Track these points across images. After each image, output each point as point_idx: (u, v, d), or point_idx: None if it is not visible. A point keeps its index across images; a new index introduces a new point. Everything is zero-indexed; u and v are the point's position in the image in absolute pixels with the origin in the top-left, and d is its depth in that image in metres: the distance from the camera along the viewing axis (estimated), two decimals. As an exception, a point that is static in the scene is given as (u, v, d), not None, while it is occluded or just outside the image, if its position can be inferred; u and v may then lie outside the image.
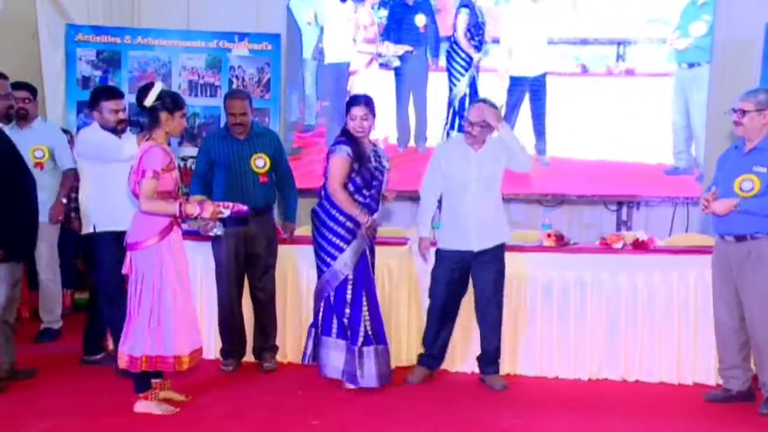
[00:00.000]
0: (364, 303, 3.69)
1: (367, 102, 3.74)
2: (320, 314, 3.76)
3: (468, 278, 3.88)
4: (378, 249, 3.99)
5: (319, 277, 3.76)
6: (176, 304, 3.30)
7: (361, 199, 3.68)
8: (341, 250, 3.67)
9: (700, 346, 4.00)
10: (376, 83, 5.52)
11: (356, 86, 5.54)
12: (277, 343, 4.19)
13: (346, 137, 3.70)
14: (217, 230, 3.45)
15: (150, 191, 3.25)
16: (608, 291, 4.06)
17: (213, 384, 3.86)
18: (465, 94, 5.48)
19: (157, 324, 3.29)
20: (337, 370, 3.72)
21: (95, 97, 3.87)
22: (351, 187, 3.68)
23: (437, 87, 5.55)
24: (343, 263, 3.67)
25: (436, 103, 5.55)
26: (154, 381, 3.45)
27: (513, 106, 5.54)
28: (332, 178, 3.66)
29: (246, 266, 4.08)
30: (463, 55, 5.50)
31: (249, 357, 4.21)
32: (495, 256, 3.82)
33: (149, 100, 3.31)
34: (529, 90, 5.55)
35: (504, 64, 5.52)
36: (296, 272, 4.27)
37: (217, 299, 4.12)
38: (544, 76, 5.54)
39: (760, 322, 3.56)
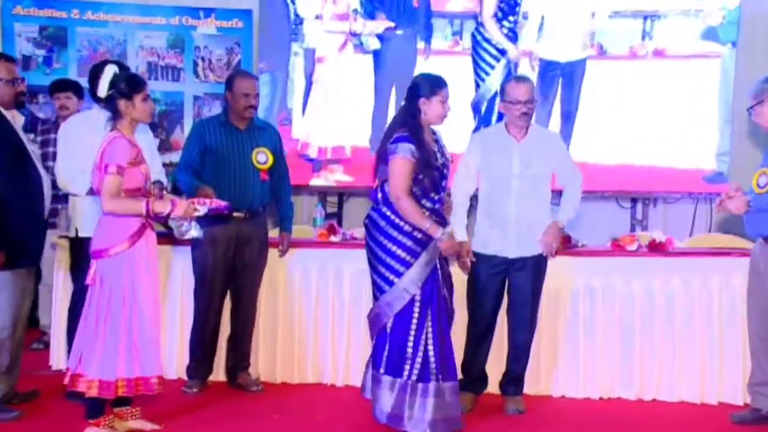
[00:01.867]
0: (428, 327, 3.36)
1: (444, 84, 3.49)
2: (373, 343, 3.46)
3: (504, 289, 3.79)
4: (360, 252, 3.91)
5: (375, 297, 3.43)
6: (152, 318, 3.22)
7: (429, 204, 3.40)
8: (408, 266, 3.34)
9: (725, 361, 3.95)
10: (352, 72, 5.27)
11: (326, 77, 5.27)
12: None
13: (410, 131, 3.38)
14: (194, 231, 3.27)
15: (114, 189, 3.13)
16: (621, 299, 4.02)
17: (181, 409, 3.71)
18: (496, 93, 4.89)
19: (133, 342, 3.19)
20: (383, 414, 3.35)
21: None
22: (417, 191, 3.38)
23: (457, 80, 4.66)
24: (411, 280, 3.34)
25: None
26: (121, 409, 3.35)
27: (544, 99, 5.15)
28: (395, 184, 3.33)
29: (232, 275, 3.98)
30: (493, 43, 5.10)
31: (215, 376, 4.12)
32: (536, 267, 3.72)
33: (102, 90, 3.23)
34: (562, 77, 5.17)
35: (534, 44, 5.10)
36: (287, 280, 4.16)
37: (194, 311, 4.01)
38: (583, 61, 5.10)
39: None
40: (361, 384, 3.54)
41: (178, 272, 4.14)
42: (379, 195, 3.44)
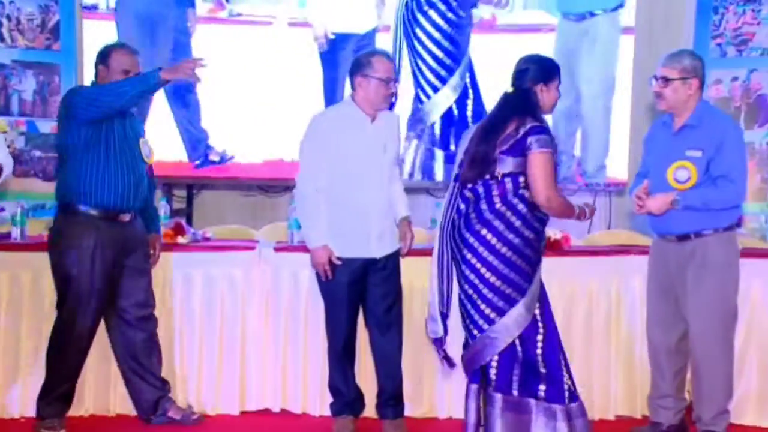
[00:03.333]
0: (560, 344, 3.24)
1: None
2: (492, 368, 3.17)
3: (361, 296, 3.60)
4: (220, 255, 3.84)
5: (471, 329, 3.18)
6: None
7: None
8: (524, 293, 3.14)
9: (623, 372, 3.95)
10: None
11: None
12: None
13: (540, 119, 3.21)
14: None
15: None
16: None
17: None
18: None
19: None
20: None
21: None
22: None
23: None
24: (526, 307, 3.14)
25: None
26: None
27: (332, 80, 5.05)
28: (547, 182, 3.12)
29: (111, 284, 3.63)
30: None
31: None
32: (395, 266, 3.61)
33: None
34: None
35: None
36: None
37: (72, 330, 3.59)
38: (373, 32, 5.09)
39: (701, 340, 3.50)
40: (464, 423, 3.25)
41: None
42: (486, 211, 3.17)
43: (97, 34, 5.00)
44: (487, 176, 3.18)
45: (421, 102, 5.07)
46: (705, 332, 3.48)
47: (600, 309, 3.95)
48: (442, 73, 5.00)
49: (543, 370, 3.16)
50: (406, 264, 3.68)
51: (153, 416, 3.73)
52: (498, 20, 5.13)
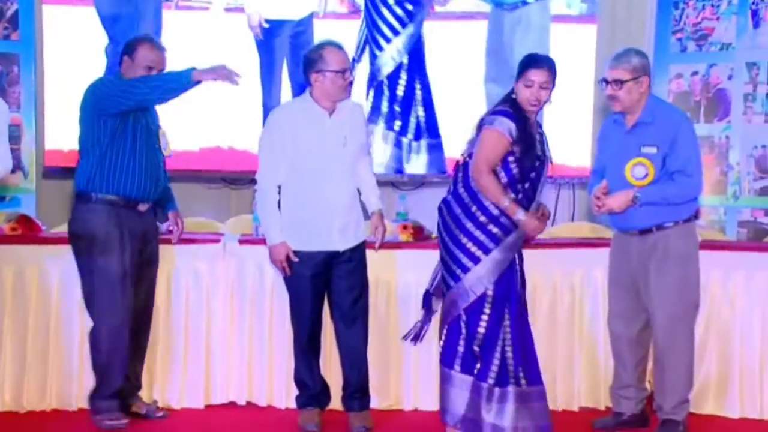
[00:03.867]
0: (506, 327, 3.32)
1: (550, 66, 3.36)
2: (443, 339, 3.38)
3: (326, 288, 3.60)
4: (185, 248, 3.81)
5: (443, 293, 3.40)
6: None
7: (511, 195, 3.32)
8: (477, 261, 3.28)
9: (587, 363, 3.97)
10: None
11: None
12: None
13: (513, 108, 3.31)
14: None
15: None
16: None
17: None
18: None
19: None
20: (456, 417, 3.32)
21: None
22: (504, 178, 3.31)
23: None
24: (477, 278, 3.29)
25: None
26: None
27: (270, 67, 5.08)
28: (481, 157, 3.27)
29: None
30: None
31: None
32: (360, 258, 3.60)
33: None
34: (291, 43, 5.11)
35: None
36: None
37: (97, 327, 3.55)
38: (310, 18, 5.10)
39: (663, 330, 3.54)
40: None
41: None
42: (460, 174, 3.38)
43: (57, 19, 4.98)
44: (464, 153, 3.43)
45: (375, 56, 5.15)
46: (668, 323, 3.51)
47: (563, 301, 3.97)
48: (396, 25, 5.11)
49: (476, 348, 3.30)
50: (371, 257, 3.68)
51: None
52: (435, 8, 5.25)
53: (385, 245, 3.86)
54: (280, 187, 3.53)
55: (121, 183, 3.51)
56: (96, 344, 3.55)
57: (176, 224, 3.80)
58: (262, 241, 3.84)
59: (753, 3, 4.96)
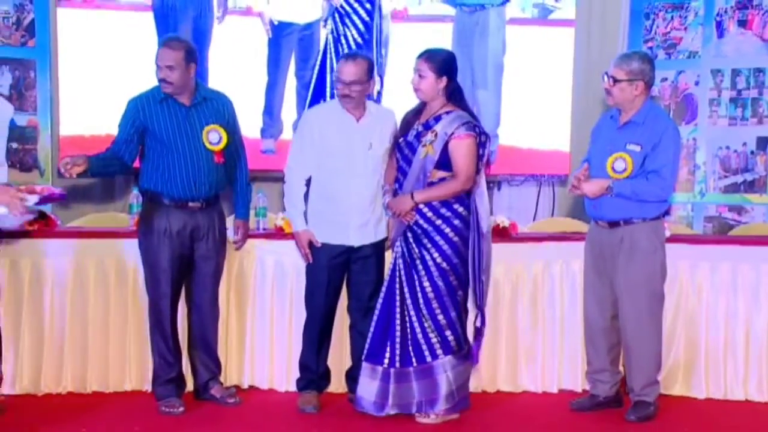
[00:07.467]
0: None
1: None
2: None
3: (343, 281, 3.72)
4: None
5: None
6: None
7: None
8: None
9: (566, 348, 4.04)
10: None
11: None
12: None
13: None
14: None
15: None
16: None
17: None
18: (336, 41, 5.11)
19: None
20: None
21: None
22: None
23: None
24: None
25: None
26: None
27: (276, 62, 5.17)
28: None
29: (184, 273, 3.65)
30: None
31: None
32: (379, 255, 3.68)
33: None
34: (297, 46, 5.21)
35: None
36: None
37: (149, 318, 3.67)
38: (316, 23, 5.16)
39: (630, 319, 3.63)
40: None
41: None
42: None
43: (72, 23, 4.98)
44: None
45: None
46: (633, 312, 3.61)
47: (544, 290, 4.04)
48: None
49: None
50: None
51: (204, 395, 3.75)
52: (409, 11, 5.39)
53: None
54: (309, 180, 3.67)
55: (167, 184, 3.55)
56: (150, 334, 3.68)
57: (236, 232, 3.82)
58: (264, 235, 3.94)
59: (718, 15, 5.12)
